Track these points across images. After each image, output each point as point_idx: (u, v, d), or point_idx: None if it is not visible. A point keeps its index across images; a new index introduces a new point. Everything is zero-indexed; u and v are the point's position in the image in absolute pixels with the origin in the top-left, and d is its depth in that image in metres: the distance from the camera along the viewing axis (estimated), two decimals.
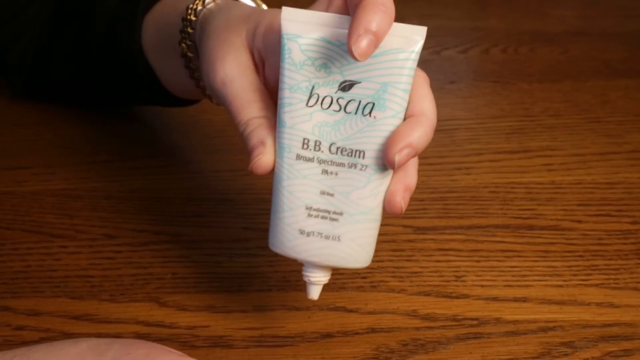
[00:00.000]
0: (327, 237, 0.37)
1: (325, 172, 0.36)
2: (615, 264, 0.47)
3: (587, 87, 0.65)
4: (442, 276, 0.46)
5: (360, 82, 0.36)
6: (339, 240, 0.37)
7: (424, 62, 0.67)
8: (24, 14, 0.56)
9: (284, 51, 0.36)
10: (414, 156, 0.36)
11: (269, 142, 0.37)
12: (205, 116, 0.60)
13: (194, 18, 0.44)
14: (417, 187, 0.52)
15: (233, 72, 0.38)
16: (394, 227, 0.49)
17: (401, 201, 0.36)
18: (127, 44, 0.50)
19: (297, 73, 0.36)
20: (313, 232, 0.37)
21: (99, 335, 0.41)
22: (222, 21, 0.41)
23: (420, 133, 0.35)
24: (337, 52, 0.36)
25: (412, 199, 0.51)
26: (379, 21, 0.33)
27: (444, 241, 0.48)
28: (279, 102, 0.37)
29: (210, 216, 0.50)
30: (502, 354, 0.41)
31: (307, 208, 0.37)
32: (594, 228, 0.49)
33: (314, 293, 0.39)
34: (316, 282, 0.38)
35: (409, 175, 0.37)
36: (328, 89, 0.36)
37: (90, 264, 0.46)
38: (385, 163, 0.36)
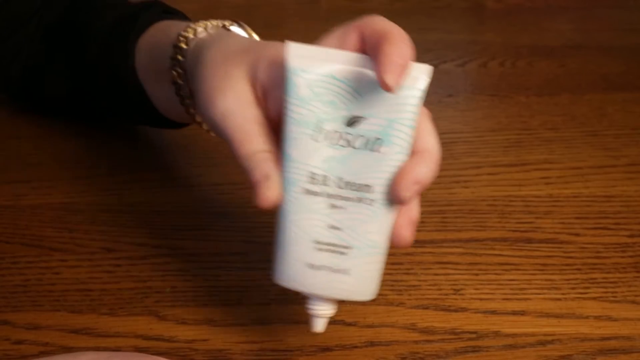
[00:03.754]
0: (335, 271, 0.37)
1: (333, 206, 0.37)
2: (613, 277, 0.47)
3: (585, 100, 0.66)
4: (440, 289, 0.46)
5: (367, 118, 0.36)
6: (348, 273, 0.37)
7: None
8: (25, 28, 0.57)
9: (289, 86, 0.36)
10: (421, 192, 0.37)
11: (275, 175, 0.37)
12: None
13: (185, 46, 0.44)
14: None
15: (234, 105, 0.38)
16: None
17: (408, 235, 0.38)
18: (120, 65, 0.50)
19: (303, 108, 0.36)
20: (322, 266, 0.37)
21: (98, 349, 0.41)
22: (219, 52, 0.40)
23: (427, 169, 0.36)
24: (344, 88, 0.36)
25: None
26: (405, 53, 0.35)
27: (443, 254, 0.48)
28: (284, 136, 0.37)
29: (209, 229, 0.50)
30: None
31: (315, 242, 0.37)
32: (591, 241, 0.50)
33: (319, 326, 0.39)
34: (322, 315, 0.39)
35: (414, 209, 0.38)
36: (335, 124, 0.36)
37: (90, 277, 0.47)
38: (393, 199, 0.36)
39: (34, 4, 0.57)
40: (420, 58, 0.77)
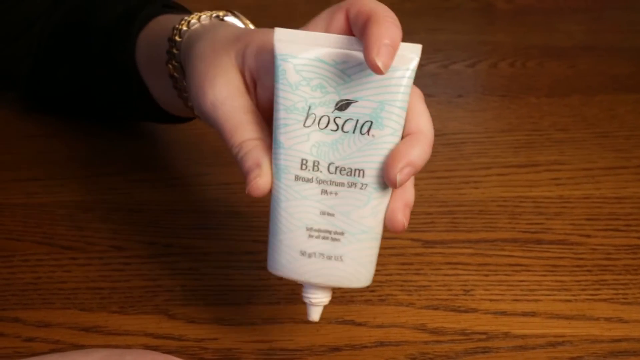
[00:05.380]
0: (329, 258, 0.37)
1: (324, 192, 0.36)
2: (624, 278, 0.47)
3: (595, 101, 0.65)
4: (450, 290, 0.46)
5: (357, 101, 0.36)
6: (342, 260, 0.37)
7: (433, 76, 0.68)
8: (34, 28, 0.57)
9: (278, 72, 0.36)
10: (414, 174, 0.36)
11: (265, 163, 0.36)
12: (215, 129, 0.60)
13: (179, 39, 0.44)
14: (425, 201, 0.53)
15: (223, 94, 0.38)
16: (403, 240, 0.49)
17: (402, 218, 0.36)
18: (122, 60, 0.50)
19: (293, 94, 0.36)
20: (315, 253, 0.37)
21: (109, 347, 0.41)
22: (209, 43, 0.40)
23: (420, 151, 0.36)
24: (333, 71, 0.36)
25: (420, 213, 0.52)
26: (392, 33, 0.34)
27: (452, 255, 0.48)
28: (274, 123, 0.36)
29: (220, 229, 0.50)
30: None
31: (307, 229, 0.36)
32: (602, 243, 0.49)
33: (315, 315, 0.38)
34: (317, 303, 0.38)
35: (408, 192, 0.37)
36: (325, 108, 0.36)
37: (100, 275, 0.47)
38: (386, 182, 0.36)
39: (44, 5, 0.57)
40: (430, 58, 0.77)
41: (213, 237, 0.50)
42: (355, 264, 0.37)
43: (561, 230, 0.50)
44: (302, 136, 0.36)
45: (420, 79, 0.66)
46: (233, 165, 0.56)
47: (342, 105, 0.36)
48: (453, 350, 0.42)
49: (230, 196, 0.53)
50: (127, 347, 0.42)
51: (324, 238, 0.36)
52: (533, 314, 0.44)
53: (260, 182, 0.36)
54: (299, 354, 0.41)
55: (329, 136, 0.36)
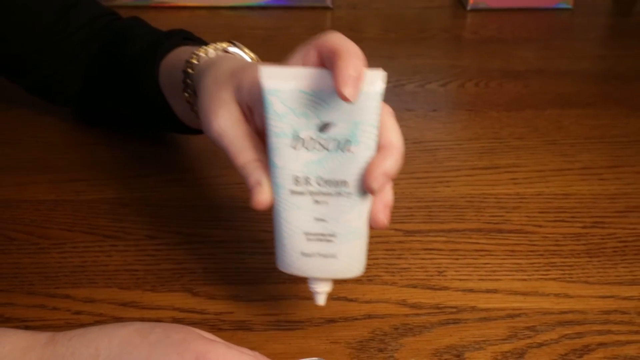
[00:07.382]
0: (325, 256, 0.36)
1: (316, 202, 0.36)
2: (569, 261, 0.46)
3: (545, 115, 0.65)
4: (426, 271, 0.45)
5: (336, 123, 0.35)
6: (336, 257, 0.36)
7: (412, 94, 0.67)
8: (80, 55, 0.56)
9: (266, 104, 0.35)
10: (389, 182, 0.35)
11: (265, 181, 0.36)
12: (222, 152, 0.59)
13: (191, 71, 0.44)
14: (406, 197, 0.52)
15: (226, 124, 0.37)
16: (387, 230, 0.49)
17: (383, 218, 0.36)
18: (148, 85, 0.50)
19: (281, 122, 0.35)
20: (313, 253, 0.36)
21: (142, 320, 0.41)
22: (212, 79, 0.40)
23: (392, 162, 0.35)
24: (313, 100, 0.35)
25: (402, 207, 0.51)
26: (356, 65, 0.33)
27: (428, 242, 0.48)
28: (268, 147, 0.36)
29: (234, 220, 0.50)
30: (476, 336, 0.40)
31: (305, 234, 0.36)
32: (552, 232, 0.49)
33: (321, 300, 0.38)
34: (321, 291, 0.38)
35: (387, 194, 0.36)
36: (309, 132, 0.35)
37: (136, 260, 0.46)
38: (366, 190, 0.35)
39: (87, 36, 0.56)
40: (409, 79, 0.76)
41: (229, 227, 0.49)
42: (347, 259, 0.37)
43: (518, 222, 0.50)
44: (293, 157, 0.35)
45: (402, 96, 0.66)
46: None
47: (324, 128, 0.35)
48: (429, 321, 0.41)
49: (243, 193, 0.52)
50: (159, 319, 0.41)
51: (320, 240, 0.36)
52: (495, 291, 0.43)
53: (261, 198, 0.36)
54: (301, 325, 0.41)
55: (315, 155, 0.35)
